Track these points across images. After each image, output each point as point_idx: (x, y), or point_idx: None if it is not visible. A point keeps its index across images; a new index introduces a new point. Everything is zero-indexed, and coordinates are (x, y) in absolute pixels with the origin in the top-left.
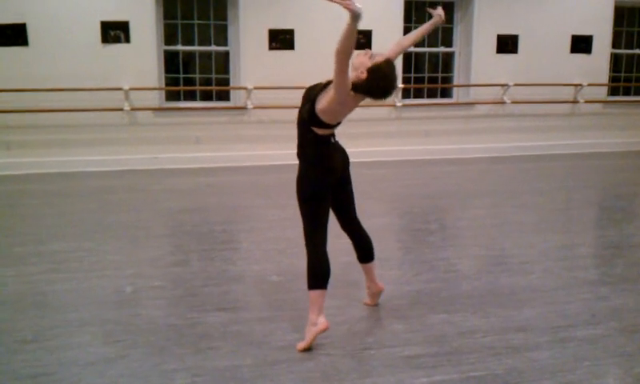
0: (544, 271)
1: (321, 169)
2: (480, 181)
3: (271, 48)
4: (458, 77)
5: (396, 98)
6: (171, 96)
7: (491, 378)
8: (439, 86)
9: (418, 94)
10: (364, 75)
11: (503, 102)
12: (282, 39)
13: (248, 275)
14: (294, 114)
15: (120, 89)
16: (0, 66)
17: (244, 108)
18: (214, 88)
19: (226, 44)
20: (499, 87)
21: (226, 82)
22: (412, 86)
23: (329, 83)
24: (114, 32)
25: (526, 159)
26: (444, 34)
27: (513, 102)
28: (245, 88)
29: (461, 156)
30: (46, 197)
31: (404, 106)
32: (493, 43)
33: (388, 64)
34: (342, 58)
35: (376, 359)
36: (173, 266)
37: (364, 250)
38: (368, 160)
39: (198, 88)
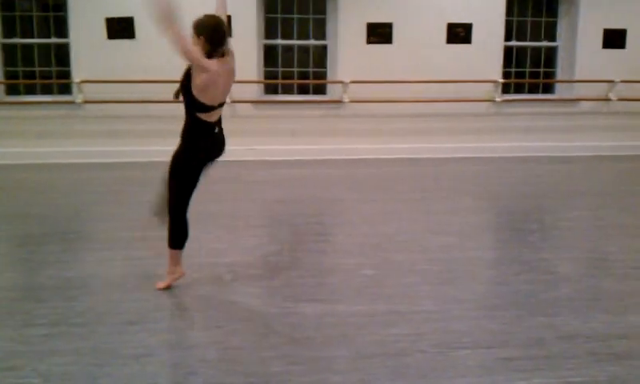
0: None
1: (196, 156)
2: (583, 180)
3: (369, 42)
4: (561, 72)
5: (495, 93)
6: (269, 89)
7: None
8: (541, 81)
9: (519, 89)
10: (202, 40)
11: (609, 99)
12: (380, 33)
13: (342, 268)
14: (390, 108)
15: None
16: (107, 58)
17: (340, 101)
18: (311, 82)
19: (324, 38)
20: (605, 83)
21: (323, 76)
22: (513, 80)
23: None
24: None
25: (632, 159)
26: (547, 28)
27: (619, 99)
28: (341, 82)
29: (563, 154)
30: (148, 184)
31: (504, 101)
32: (599, 38)
33: (205, 17)
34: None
35: (472, 359)
36: (269, 256)
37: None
38: (466, 156)
39: (295, 82)
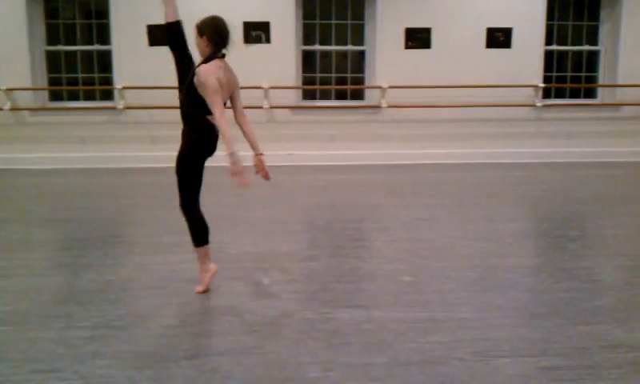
0: None
1: (200, 150)
2: (626, 186)
3: (407, 47)
4: (603, 77)
5: (536, 98)
6: (307, 94)
7: None
8: (583, 85)
9: (560, 94)
10: (204, 40)
11: None
12: (418, 38)
13: (380, 274)
14: (428, 113)
15: (260, 87)
16: (148, 64)
17: (378, 107)
18: (349, 87)
19: (362, 43)
20: None
21: (361, 81)
22: (553, 85)
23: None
24: (256, 32)
25: None
26: (589, 32)
27: None
28: (379, 87)
29: (605, 160)
30: None
31: (544, 106)
32: None
33: (209, 18)
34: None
35: (511, 368)
36: (307, 261)
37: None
38: (506, 161)
39: (333, 87)
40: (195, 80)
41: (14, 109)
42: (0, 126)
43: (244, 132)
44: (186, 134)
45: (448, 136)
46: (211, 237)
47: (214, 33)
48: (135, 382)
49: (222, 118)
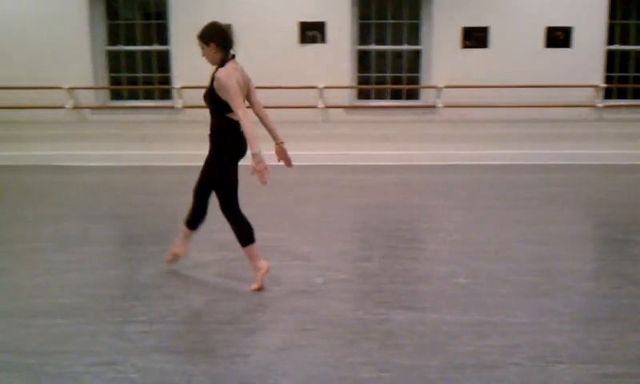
0: None
1: (231, 153)
2: None
3: (464, 46)
4: None
5: (597, 99)
6: (362, 94)
7: None
8: None
9: (622, 95)
10: (212, 47)
11: None
12: (475, 37)
13: (434, 276)
14: (484, 114)
15: (315, 87)
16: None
17: (433, 106)
18: (404, 87)
19: (417, 43)
20: None
21: (416, 81)
22: (615, 85)
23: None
24: (312, 33)
25: None
26: None
27: None
28: (435, 87)
29: None
30: (245, 188)
31: (605, 106)
32: None
33: (208, 25)
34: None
35: (568, 374)
36: (360, 261)
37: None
38: (564, 163)
39: (388, 87)
40: (215, 84)
41: (76, 107)
42: (62, 124)
43: (264, 123)
44: (215, 139)
45: (505, 137)
46: (262, 234)
47: (219, 37)
48: (190, 376)
49: (245, 117)
